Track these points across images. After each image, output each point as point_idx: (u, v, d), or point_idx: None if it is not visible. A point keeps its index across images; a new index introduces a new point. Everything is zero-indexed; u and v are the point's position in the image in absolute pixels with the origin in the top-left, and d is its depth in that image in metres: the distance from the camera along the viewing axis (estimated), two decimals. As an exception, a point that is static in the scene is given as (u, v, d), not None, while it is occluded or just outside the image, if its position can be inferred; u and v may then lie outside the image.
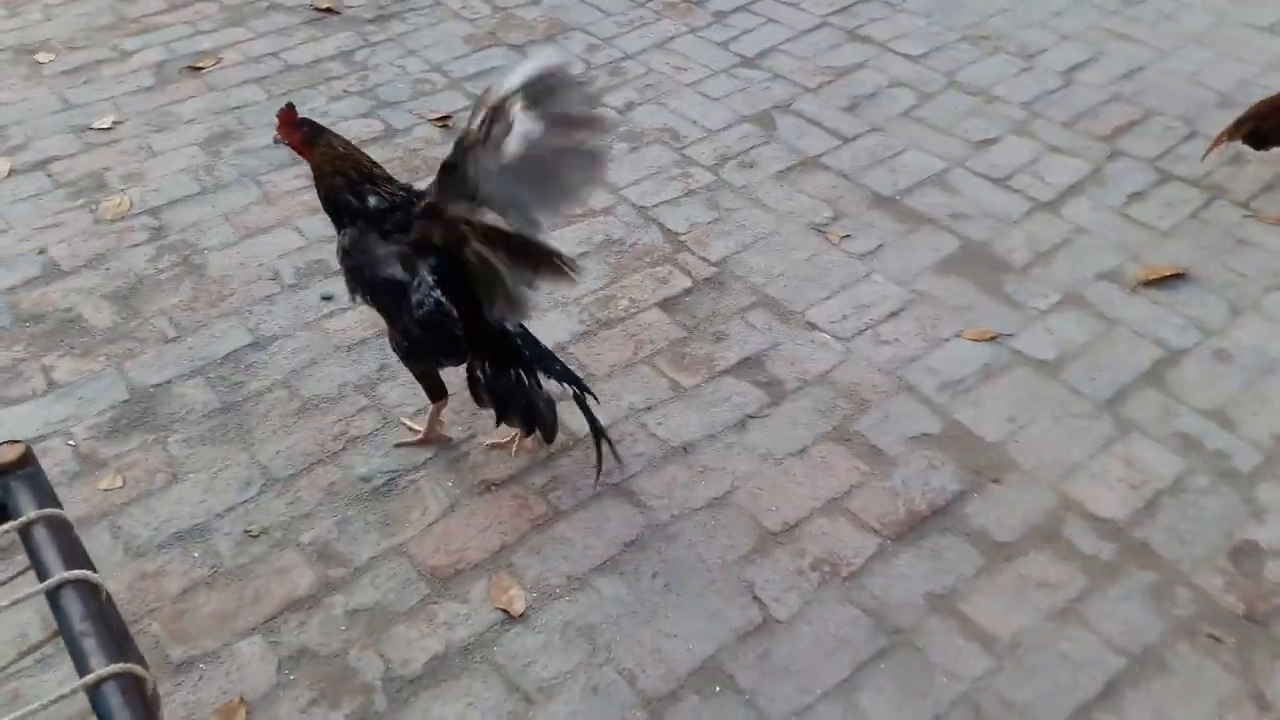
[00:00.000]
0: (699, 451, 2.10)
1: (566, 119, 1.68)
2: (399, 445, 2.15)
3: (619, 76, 3.32)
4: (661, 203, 2.79)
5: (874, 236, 2.63)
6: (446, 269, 1.83)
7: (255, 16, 3.70)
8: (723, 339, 2.36)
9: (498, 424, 2.04)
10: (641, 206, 2.78)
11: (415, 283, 1.86)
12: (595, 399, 2.02)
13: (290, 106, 2.00)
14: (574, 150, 1.70)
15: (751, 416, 2.17)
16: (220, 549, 1.96)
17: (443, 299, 1.85)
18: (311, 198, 2.73)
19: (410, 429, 2.18)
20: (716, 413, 2.18)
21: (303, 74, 3.37)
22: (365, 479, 2.09)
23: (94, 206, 2.81)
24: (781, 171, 2.88)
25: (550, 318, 2.43)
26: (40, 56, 3.47)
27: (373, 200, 1.91)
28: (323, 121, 3.20)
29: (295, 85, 3.31)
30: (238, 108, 3.20)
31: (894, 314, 2.40)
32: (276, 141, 2.02)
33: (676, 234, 2.68)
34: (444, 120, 3.14)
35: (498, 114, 1.66)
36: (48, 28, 3.65)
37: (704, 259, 2.59)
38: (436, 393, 2.10)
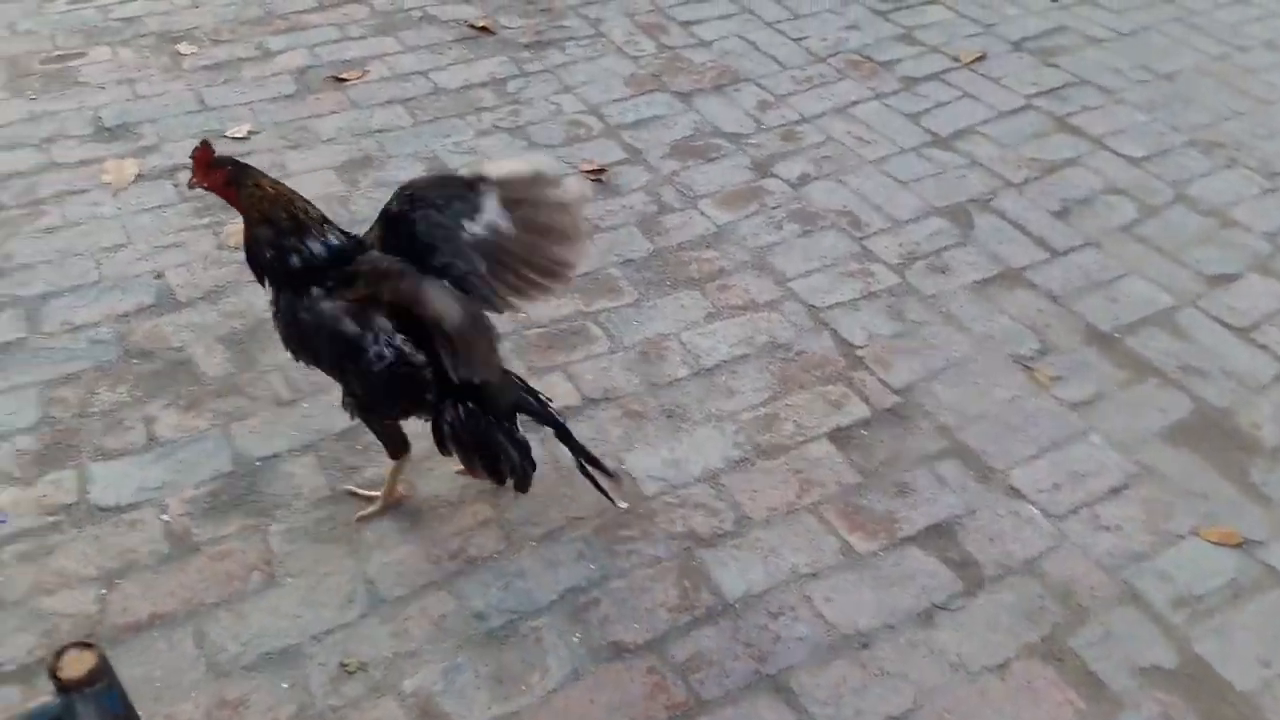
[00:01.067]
0: (875, 645, 1.74)
1: (541, 227, 1.66)
2: (360, 519, 1.92)
3: (793, 142, 2.98)
4: (836, 304, 2.43)
5: (1090, 382, 2.23)
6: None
7: (407, 27, 3.44)
8: (906, 493, 2.01)
9: (465, 470, 1.84)
10: (812, 305, 2.44)
11: (372, 336, 1.66)
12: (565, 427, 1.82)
13: (205, 144, 1.73)
14: (545, 254, 1.67)
15: (940, 607, 1.80)
16: (312, 683, 1.68)
17: (406, 345, 1.67)
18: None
19: (364, 496, 1.95)
20: (898, 595, 1.82)
21: (451, 100, 3.09)
22: (480, 617, 1.80)
23: (219, 229, 2.58)
24: (979, 283, 2.49)
25: (700, 435, 2.11)
26: (182, 47, 3.26)
27: (297, 258, 1.68)
28: (468, 160, 3.01)
29: (442, 112, 3.04)
30: (380, 131, 2.94)
31: (1116, 491, 2.00)
32: (193, 186, 1.74)
33: (853, 346, 2.32)
34: (598, 174, 2.83)
35: (467, 189, 1.65)
36: (194, 15, 3.44)
37: (885, 383, 2.23)
38: (400, 448, 1.88)
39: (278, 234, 1.68)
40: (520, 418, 1.79)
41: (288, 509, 1.96)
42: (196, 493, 1.98)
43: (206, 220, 2.59)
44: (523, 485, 1.81)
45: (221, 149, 2.86)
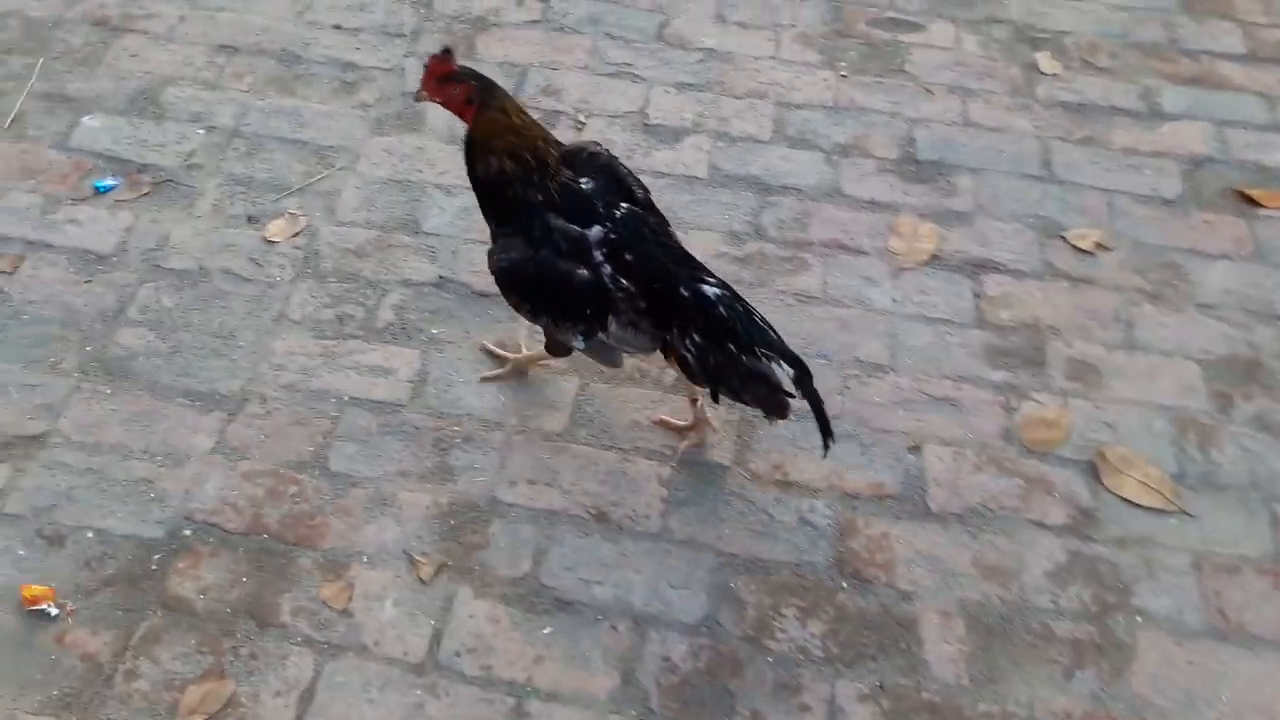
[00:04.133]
0: None
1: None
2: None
3: None
4: None
5: None
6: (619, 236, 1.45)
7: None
8: None
9: (715, 400, 1.48)
10: None
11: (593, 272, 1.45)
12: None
13: (447, 52, 1.43)
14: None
15: None
16: None
17: (619, 277, 1.43)
18: None
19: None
20: None
21: None
22: None
23: (1014, 407, 1.62)
24: None
25: None
26: (1042, 61, 2.18)
27: (541, 197, 1.44)
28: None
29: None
30: (1289, 319, 1.82)
31: None
32: (420, 99, 1.48)
33: None
34: None
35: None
36: (1068, 13, 2.30)
37: None
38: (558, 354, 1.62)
39: (526, 174, 1.43)
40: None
41: None
42: None
43: (999, 375, 1.67)
44: (779, 412, 1.47)
45: (1054, 256, 1.82)
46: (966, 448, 1.60)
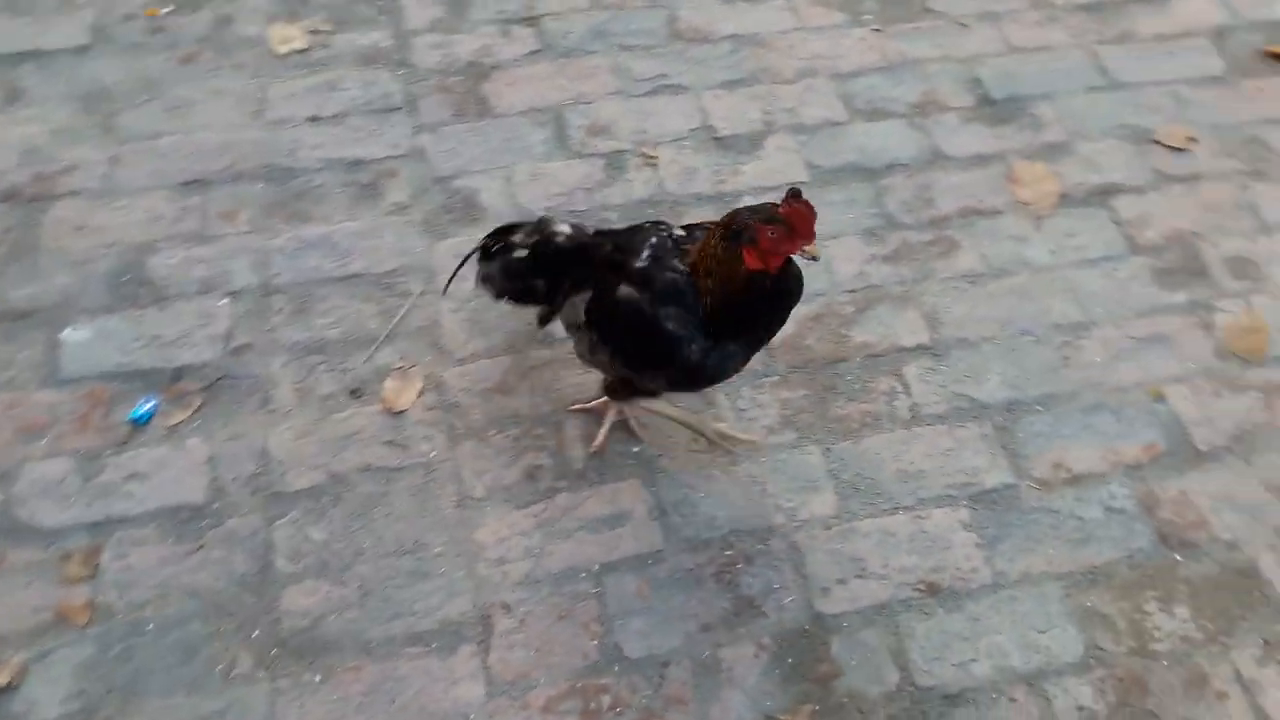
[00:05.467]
0: None
1: None
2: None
3: None
4: None
5: None
6: None
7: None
8: None
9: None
10: None
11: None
12: None
13: (807, 201, 1.21)
14: None
15: None
16: None
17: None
18: None
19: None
20: None
21: None
22: None
23: (1208, 317, 1.64)
24: None
25: None
26: None
27: None
28: None
29: None
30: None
31: None
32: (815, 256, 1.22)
33: None
34: None
35: None
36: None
37: None
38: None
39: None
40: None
41: None
42: None
43: (1183, 296, 1.64)
44: None
45: (1157, 164, 1.78)
46: (1195, 378, 1.57)
